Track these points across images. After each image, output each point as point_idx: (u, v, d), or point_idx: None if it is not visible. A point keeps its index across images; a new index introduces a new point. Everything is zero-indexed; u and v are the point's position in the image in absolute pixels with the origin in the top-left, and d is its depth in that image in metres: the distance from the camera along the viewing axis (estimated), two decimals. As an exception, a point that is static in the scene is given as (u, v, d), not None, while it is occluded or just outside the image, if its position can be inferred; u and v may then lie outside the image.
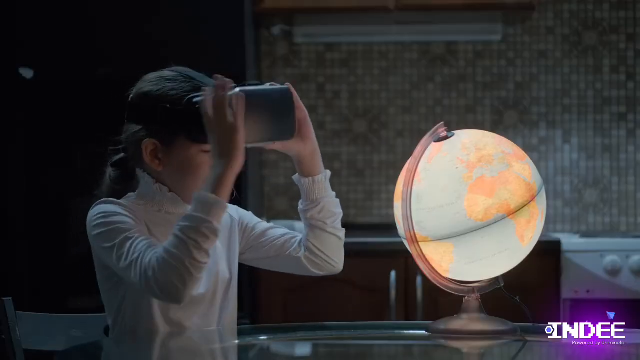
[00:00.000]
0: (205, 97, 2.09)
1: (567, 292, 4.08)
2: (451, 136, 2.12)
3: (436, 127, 2.14)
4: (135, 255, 2.07)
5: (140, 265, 2.06)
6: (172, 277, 2.02)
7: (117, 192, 2.27)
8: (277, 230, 2.38)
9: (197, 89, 2.16)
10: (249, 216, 2.39)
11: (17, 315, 2.32)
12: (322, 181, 2.29)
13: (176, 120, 2.16)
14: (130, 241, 2.10)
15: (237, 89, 2.09)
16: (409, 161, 2.12)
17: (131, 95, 2.25)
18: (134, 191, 2.27)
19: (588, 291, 4.08)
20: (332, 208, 2.30)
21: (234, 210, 2.37)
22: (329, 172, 2.30)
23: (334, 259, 2.33)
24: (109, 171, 2.29)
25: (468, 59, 4.66)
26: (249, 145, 2.12)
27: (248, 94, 2.09)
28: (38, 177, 4.09)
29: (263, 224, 2.38)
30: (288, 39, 4.68)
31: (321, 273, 2.34)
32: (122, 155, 2.27)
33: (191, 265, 2.03)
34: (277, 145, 2.24)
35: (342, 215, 2.33)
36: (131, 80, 2.28)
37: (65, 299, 4.02)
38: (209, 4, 4.02)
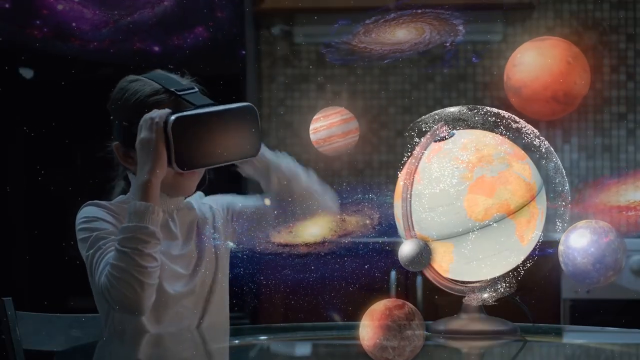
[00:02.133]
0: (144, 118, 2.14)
1: (567, 292, 4.08)
2: (451, 136, 2.12)
3: (436, 127, 2.14)
4: (97, 274, 2.12)
5: (99, 285, 2.11)
6: (123, 290, 2.07)
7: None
8: (250, 201, 2.36)
9: (155, 92, 2.19)
10: (230, 202, 2.39)
11: (17, 315, 2.32)
12: (266, 158, 2.26)
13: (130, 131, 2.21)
14: (98, 254, 2.14)
15: (174, 116, 2.11)
16: (409, 161, 2.12)
17: None
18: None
19: (588, 291, 4.08)
20: (284, 168, 2.28)
21: (212, 201, 2.38)
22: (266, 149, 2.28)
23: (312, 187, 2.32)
24: (122, 185, 2.32)
25: (468, 59, 4.66)
26: (211, 167, 2.15)
27: (188, 118, 2.12)
28: (38, 177, 4.09)
29: (237, 202, 2.37)
30: (288, 39, 4.68)
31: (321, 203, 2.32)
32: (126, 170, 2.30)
33: (138, 273, 2.07)
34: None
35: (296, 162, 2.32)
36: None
37: (65, 299, 4.02)
38: (209, 4, 4.02)
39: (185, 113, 2.12)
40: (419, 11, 2.79)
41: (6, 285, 4.02)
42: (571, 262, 2.02)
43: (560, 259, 2.05)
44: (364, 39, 2.78)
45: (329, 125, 2.23)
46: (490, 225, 2.03)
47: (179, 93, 2.19)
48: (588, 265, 2.00)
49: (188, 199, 2.34)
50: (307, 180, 2.32)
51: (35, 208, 4.11)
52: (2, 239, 4.08)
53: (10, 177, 4.09)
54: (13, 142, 4.09)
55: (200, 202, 2.37)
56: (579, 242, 2.02)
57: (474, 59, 4.63)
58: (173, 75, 2.26)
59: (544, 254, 2.11)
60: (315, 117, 2.24)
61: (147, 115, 2.14)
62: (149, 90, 2.21)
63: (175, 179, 2.21)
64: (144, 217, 2.10)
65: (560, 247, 2.05)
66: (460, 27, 2.87)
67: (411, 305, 1.97)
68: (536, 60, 2.13)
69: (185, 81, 2.25)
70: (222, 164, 2.20)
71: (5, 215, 4.10)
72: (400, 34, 2.70)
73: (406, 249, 2.06)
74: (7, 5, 3.91)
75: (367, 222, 2.26)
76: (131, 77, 2.26)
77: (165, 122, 2.11)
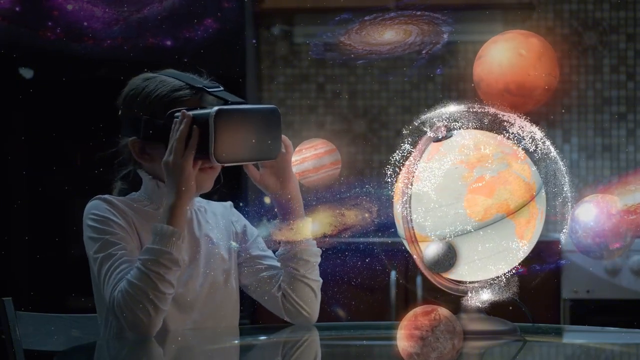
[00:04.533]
0: (176, 123, 2.11)
1: (567, 292, 4.08)
2: (451, 136, 2.12)
3: (435, 126, 2.14)
4: (110, 284, 2.10)
5: (110, 297, 2.09)
6: (137, 312, 2.06)
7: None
8: (267, 261, 2.34)
9: (179, 88, 2.17)
10: (250, 230, 2.37)
11: (17, 315, 2.32)
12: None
13: (154, 127, 2.18)
14: (109, 263, 2.12)
15: (216, 108, 2.10)
16: (408, 161, 2.12)
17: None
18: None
19: (588, 291, 4.08)
20: (305, 256, 2.28)
21: (239, 216, 2.37)
22: (308, 220, 2.28)
23: (306, 309, 2.29)
24: (119, 185, 2.31)
25: (468, 59, 4.66)
26: (228, 165, 2.14)
27: (229, 112, 2.10)
28: (38, 177, 4.09)
29: (257, 247, 2.36)
30: (288, 39, 4.68)
31: (293, 321, 2.31)
32: (129, 169, 2.28)
33: (155, 297, 2.06)
34: (255, 174, 2.24)
35: (317, 264, 2.29)
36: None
37: (65, 299, 4.02)
38: (209, 4, 4.02)
39: (226, 106, 2.11)
40: (418, 13, 2.79)
41: (6, 285, 4.02)
42: (575, 235, 2.03)
43: (568, 232, 2.06)
44: (354, 37, 2.78)
45: (302, 160, 2.23)
46: (489, 225, 2.03)
47: (208, 90, 2.17)
48: (588, 239, 2.01)
49: (201, 203, 2.33)
50: (311, 274, 2.29)
51: (35, 208, 4.11)
52: (2, 239, 4.09)
53: (10, 177, 4.09)
54: (13, 142, 4.09)
55: (234, 210, 2.37)
56: (582, 216, 2.03)
57: (438, 70, 4.63)
58: (190, 74, 2.25)
59: (549, 266, 2.11)
60: (297, 148, 2.24)
61: (184, 110, 2.12)
62: (170, 86, 2.19)
63: (197, 175, 2.16)
64: (169, 242, 2.07)
65: (568, 222, 2.06)
66: (445, 36, 2.88)
67: (442, 311, 1.97)
68: (490, 54, 2.15)
69: (206, 80, 2.24)
70: (251, 162, 2.20)
71: (6, 215, 4.10)
72: (388, 36, 2.71)
73: (430, 250, 2.05)
74: (17, 9, 3.91)
75: (366, 215, 2.26)
76: (147, 74, 2.25)
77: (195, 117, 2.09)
